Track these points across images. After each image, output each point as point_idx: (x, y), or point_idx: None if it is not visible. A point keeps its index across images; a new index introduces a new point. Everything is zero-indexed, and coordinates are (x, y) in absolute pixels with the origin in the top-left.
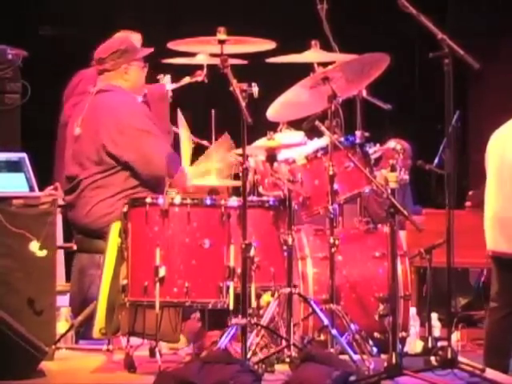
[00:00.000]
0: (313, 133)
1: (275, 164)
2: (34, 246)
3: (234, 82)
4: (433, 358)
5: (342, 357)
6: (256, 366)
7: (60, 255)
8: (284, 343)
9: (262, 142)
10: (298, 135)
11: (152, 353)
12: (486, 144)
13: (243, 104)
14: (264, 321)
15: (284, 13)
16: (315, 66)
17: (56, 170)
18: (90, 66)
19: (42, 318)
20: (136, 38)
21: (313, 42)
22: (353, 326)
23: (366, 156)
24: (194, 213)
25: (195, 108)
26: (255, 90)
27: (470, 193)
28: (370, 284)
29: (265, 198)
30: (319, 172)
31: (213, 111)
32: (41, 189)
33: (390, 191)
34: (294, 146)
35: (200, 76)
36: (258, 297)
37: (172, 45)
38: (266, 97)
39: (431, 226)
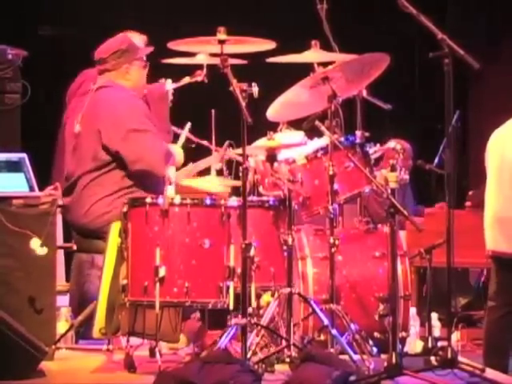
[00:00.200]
0: (313, 133)
1: (275, 164)
2: (35, 244)
3: (234, 81)
4: (433, 358)
5: (342, 357)
6: (256, 366)
7: (60, 255)
8: (284, 343)
9: (262, 142)
10: (298, 135)
11: (152, 353)
12: (485, 144)
13: (243, 104)
14: (264, 321)
15: (284, 13)
16: (315, 65)
17: (55, 171)
18: (92, 66)
19: (42, 317)
20: (141, 39)
21: (313, 42)
22: (353, 326)
23: (366, 156)
24: (193, 213)
25: (195, 108)
26: (255, 90)
27: (470, 193)
28: (370, 284)
29: (265, 198)
30: (319, 172)
31: (213, 111)
32: (41, 189)
33: (389, 191)
34: (293, 146)
35: (200, 76)
36: (258, 297)
37: (172, 45)
38: (266, 97)
39: (431, 226)
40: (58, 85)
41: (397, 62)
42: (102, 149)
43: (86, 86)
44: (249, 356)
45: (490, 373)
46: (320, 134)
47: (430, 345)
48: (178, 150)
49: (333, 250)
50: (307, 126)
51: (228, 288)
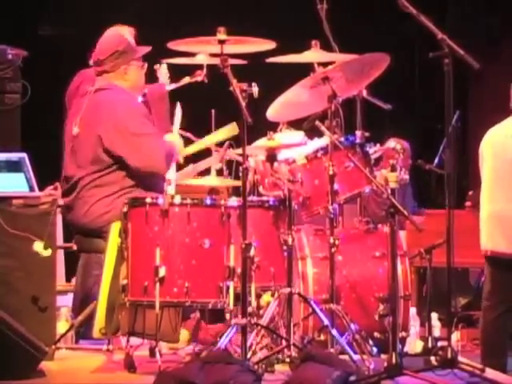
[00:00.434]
0: (313, 133)
1: (275, 164)
2: (38, 247)
3: (234, 81)
4: (433, 358)
5: (341, 357)
6: (256, 366)
7: (60, 255)
8: (284, 343)
9: (262, 142)
10: (298, 135)
11: (152, 353)
12: None
13: (243, 104)
14: (264, 321)
15: (284, 13)
16: (315, 65)
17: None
18: (90, 65)
19: (43, 316)
20: (129, 31)
21: (313, 42)
22: (353, 326)
23: (366, 156)
24: (193, 213)
25: (195, 108)
26: (255, 90)
27: (470, 193)
28: (370, 284)
29: (265, 198)
30: (319, 172)
31: (213, 111)
32: (41, 189)
33: (389, 191)
34: (293, 146)
35: (200, 76)
36: (258, 297)
37: (172, 45)
38: (266, 97)
39: (431, 226)
40: (58, 85)
41: (397, 62)
42: (104, 152)
43: (85, 86)
44: (249, 356)
45: (490, 373)
46: (320, 134)
47: (429, 345)
48: (175, 138)
49: (333, 250)
50: (307, 126)
51: (228, 288)
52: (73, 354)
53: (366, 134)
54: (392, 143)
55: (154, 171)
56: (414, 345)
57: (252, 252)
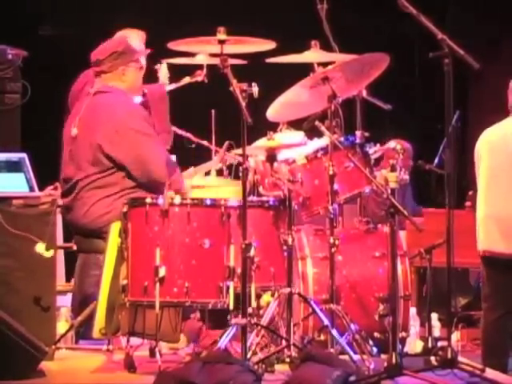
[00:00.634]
0: (313, 133)
1: (275, 164)
2: (40, 248)
3: (234, 81)
4: (433, 358)
5: (341, 357)
6: (256, 366)
7: (60, 255)
8: (284, 343)
9: (262, 142)
10: (298, 135)
11: (152, 353)
12: None
13: (243, 104)
14: (264, 321)
15: (284, 13)
16: (315, 66)
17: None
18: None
19: (43, 317)
20: (138, 36)
21: (313, 42)
22: (353, 326)
23: (366, 156)
24: (193, 213)
25: (195, 108)
26: (255, 90)
27: (470, 193)
28: (370, 284)
29: (265, 198)
30: (319, 172)
31: (213, 111)
32: (41, 189)
33: (389, 191)
34: (294, 146)
35: (200, 76)
36: (258, 297)
37: (172, 45)
38: (266, 97)
39: (431, 226)
40: (58, 85)
41: (397, 62)
42: (105, 157)
43: (88, 88)
44: (249, 356)
45: (490, 373)
46: (320, 134)
47: (429, 345)
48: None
49: (333, 249)
50: (307, 126)
51: (228, 288)
52: (73, 353)
53: (366, 134)
54: (392, 143)
55: (149, 173)
56: (414, 345)
57: (252, 252)
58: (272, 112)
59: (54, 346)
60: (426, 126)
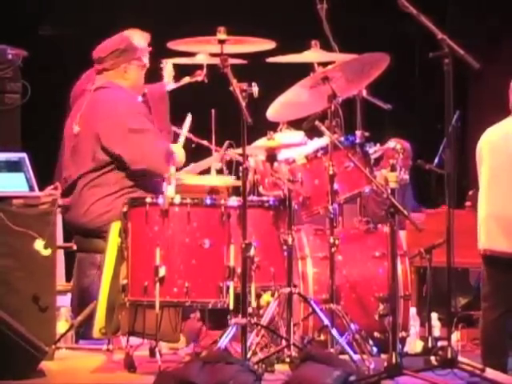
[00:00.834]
0: (313, 133)
1: (275, 164)
2: (39, 245)
3: (234, 81)
4: (433, 358)
5: (341, 357)
6: (256, 366)
7: (60, 255)
8: (284, 343)
9: (262, 142)
10: (298, 135)
11: (152, 353)
12: None
13: (243, 104)
14: (264, 321)
15: (284, 13)
16: (315, 65)
17: (57, 172)
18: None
19: (43, 316)
20: (143, 36)
21: (313, 42)
22: (353, 326)
23: (365, 156)
24: (193, 213)
25: (195, 108)
26: (255, 89)
27: (470, 193)
28: (370, 284)
29: (265, 198)
30: (319, 172)
31: (213, 111)
32: (41, 189)
33: (389, 191)
34: (293, 146)
35: (200, 76)
36: (258, 297)
37: (172, 45)
38: (266, 97)
39: (431, 226)
40: (58, 85)
41: (397, 62)
42: (102, 150)
43: (89, 86)
44: (249, 356)
45: (490, 372)
46: (320, 134)
47: (429, 345)
48: (178, 150)
49: (333, 249)
50: (307, 126)
51: (228, 288)
52: (73, 353)
53: (366, 134)
54: (392, 143)
55: (151, 169)
56: (414, 345)
57: (252, 252)
58: (272, 112)
59: (53, 346)
60: (426, 126)
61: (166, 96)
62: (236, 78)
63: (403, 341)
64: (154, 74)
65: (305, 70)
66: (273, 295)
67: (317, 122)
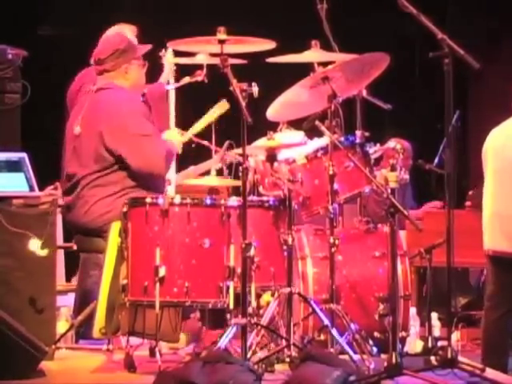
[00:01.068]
0: (313, 133)
1: (275, 164)
2: (35, 245)
3: (234, 81)
4: (433, 358)
5: (341, 357)
6: (256, 366)
7: (60, 255)
8: (284, 343)
9: (261, 142)
10: (298, 135)
11: (152, 353)
12: None
13: (243, 104)
14: (264, 321)
15: (284, 13)
16: (315, 65)
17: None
18: (88, 65)
19: (43, 317)
20: (130, 30)
21: (313, 42)
22: (353, 326)
23: (366, 156)
24: (193, 213)
25: (195, 108)
26: (255, 89)
27: (470, 193)
28: (370, 284)
29: (265, 198)
30: (319, 172)
31: None
32: (41, 189)
33: (389, 191)
34: (293, 146)
35: (200, 76)
36: (258, 297)
37: (172, 45)
38: (266, 97)
39: (431, 226)
40: (58, 85)
41: (397, 62)
42: (106, 151)
43: (87, 86)
44: (249, 356)
45: (490, 372)
46: (320, 134)
47: (429, 345)
48: (173, 135)
49: (333, 249)
50: (307, 126)
51: (228, 288)
52: (73, 353)
53: (366, 134)
54: (392, 143)
55: (153, 172)
56: (414, 345)
57: (252, 252)
58: (272, 112)
59: (53, 346)
60: (426, 126)
61: (166, 96)
62: (236, 78)
63: (403, 341)
64: (153, 73)
65: (305, 70)
66: (273, 295)
67: (317, 122)
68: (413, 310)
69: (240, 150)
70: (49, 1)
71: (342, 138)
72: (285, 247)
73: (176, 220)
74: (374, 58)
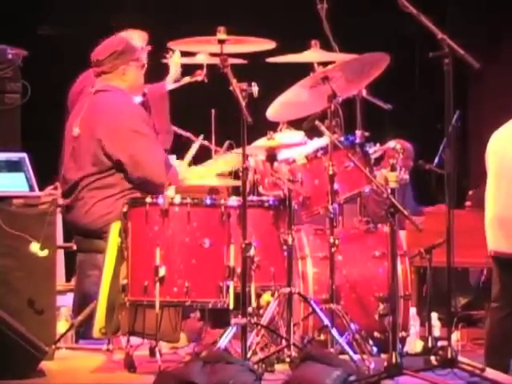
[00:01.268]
0: (313, 132)
1: (275, 164)
2: (35, 247)
3: (234, 81)
4: (433, 358)
5: (341, 357)
6: (256, 366)
7: (60, 255)
8: (284, 343)
9: (261, 142)
10: (298, 135)
11: (152, 352)
12: (485, 144)
13: (243, 104)
14: (264, 321)
15: (284, 13)
16: (315, 65)
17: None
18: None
19: (43, 317)
20: (140, 36)
21: (313, 42)
22: (353, 326)
23: (365, 156)
24: (193, 212)
25: (195, 108)
26: (255, 89)
27: (470, 193)
28: (370, 284)
29: (265, 198)
30: (319, 172)
31: (213, 111)
32: (41, 189)
33: (389, 191)
34: (293, 146)
35: (200, 76)
36: (258, 297)
37: (172, 45)
38: (266, 97)
39: (431, 226)
40: (58, 85)
41: (397, 62)
42: (104, 156)
43: (88, 88)
44: (249, 356)
45: (490, 372)
46: (320, 134)
47: (429, 344)
48: (180, 167)
49: (333, 249)
50: (307, 125)
51: (228, 288)
52: (73, 353)
53: (366, 134)
54: (392, 143)
55: (148, 177)
56: (414, 345)
57: (252, 252)
58: (272, 112)
59: (53, 346)
60: (426, 126)
61: (167, 96)
62: (236, 78)
63: (403, 341)
64: (154, 74)
65: (305, 70)
66: (273, 295)
67: (317, 122)
68: (413, 310)
69: (240, 150)
70: (49, 1)
71: (342, 138)
72: (285, 247)
73: (176, 220)
74: (374, 57)
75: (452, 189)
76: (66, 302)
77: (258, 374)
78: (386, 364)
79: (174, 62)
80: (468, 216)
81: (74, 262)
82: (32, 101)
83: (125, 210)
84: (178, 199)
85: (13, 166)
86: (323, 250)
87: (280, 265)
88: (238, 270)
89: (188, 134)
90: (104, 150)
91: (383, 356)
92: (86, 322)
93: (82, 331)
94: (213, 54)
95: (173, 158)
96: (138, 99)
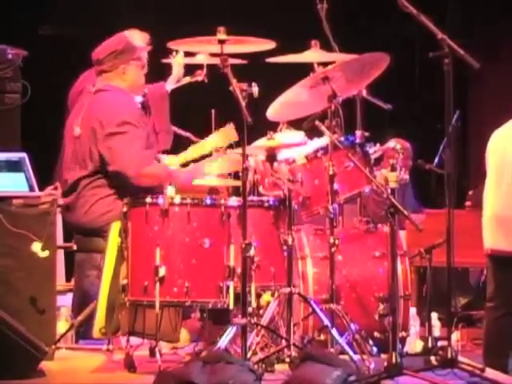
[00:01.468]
0: (313, 133)
1: (275, 164)
2: (36, 247)
3: (234, 81)
4: (433, 358)
5: (341, 357)
6: (256, 366)
7: (60, 255)
8: (284, 343)
9: (261, 142)
10: (298, 135)
11: (152, 352)
12: (486, 144)
13: (243, 104)
14: (264, 321)
15: (284, 13)
16: (315, 65)
17: (57, 173)
18: (89, 67)
19: (43, 317)
20: (141, 36)
21: (313, 42)
22: (353, 326)
23: (365, 156)
24: (193, 212)
25: (195, 108)
26: (255, 89)
27: (470, 193)
28: (370, 284)
29: (265, 198)
30: (319, 172)
31: (213, 111)
32: (41, 189)
33: (389, 191)
34: (294, 146)
35: (200, 76)
36: (258, 297)
37: (172, 45)
38: (266, 97)
39: (431, 226)
40: (58, 85)
41: (397, 62)
42: (98, 154)
43: (89, 87)
44: (249, 356)
45: (490, 372)
46: (320, 134)
47: (429, 345)
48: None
49: (333, 249)
50: (307, 125)
51: (228, 288)
52: (73, 354)
53: (366, 134)
54: (392, 143)
55: (120, 170)
56: (414, 345)
57: (252, 252)
58: (272, 112)
59: (53, 346)
60: (426, 126)
61: (167, 96)
62: (236, 78)
63: (403, 341)
64: (154, 74)
65: (305, 70)
66: (273, 295)
67: (317, 122)
68: (413, 310)
69: (240, 150)
70: (49, 1)
71: (342, 138)
72: (285, 247)
73: (176, 220)
74: (374, 57)
75: (452, 189)
76: (65, 302)
77: (258, 374)
78: (386, 364)
79: (178, 62)
80: (468, 216)
81: (74, 262)
82: (32, 101)
83: (125, 209)
84: (177, 199)
85: (13, 166)
86: (323, 250)
87: (280, 265)
88: (238, 270)
89: (188, 134)
90: (97, 149)
91: (383, 356)
92: (85, 322)
93: (82, 331)
94: (213, 54)
95: (164, 158)
96: (139, 99)
